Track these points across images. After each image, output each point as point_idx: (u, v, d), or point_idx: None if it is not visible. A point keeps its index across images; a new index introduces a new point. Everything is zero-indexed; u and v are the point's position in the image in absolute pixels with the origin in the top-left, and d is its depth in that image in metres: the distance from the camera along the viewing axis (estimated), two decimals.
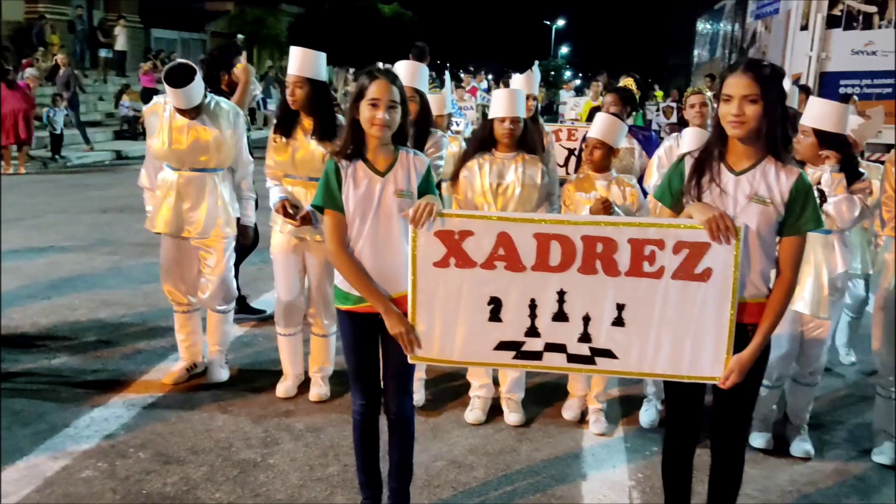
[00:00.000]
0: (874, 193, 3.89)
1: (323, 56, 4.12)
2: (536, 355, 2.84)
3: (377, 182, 2.92)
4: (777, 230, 2.65)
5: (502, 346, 2.85)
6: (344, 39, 30.42)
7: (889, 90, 12.24)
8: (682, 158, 2.78)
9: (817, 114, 3.70)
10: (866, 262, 4.75)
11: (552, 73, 48.70)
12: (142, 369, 4.79)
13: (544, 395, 4.56)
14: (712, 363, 2.69)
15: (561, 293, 2.76)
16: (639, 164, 5.22)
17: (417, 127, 4.07)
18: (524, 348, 2.84)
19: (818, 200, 2.82)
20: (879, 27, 12.57)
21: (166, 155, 4.28)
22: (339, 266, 2.97)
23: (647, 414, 4.22)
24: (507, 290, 2.79)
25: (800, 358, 3.97)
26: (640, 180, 4.82)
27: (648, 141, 5.53)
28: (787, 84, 5.74)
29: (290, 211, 4.04)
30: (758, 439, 4.05)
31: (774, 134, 2.58)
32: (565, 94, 20.41)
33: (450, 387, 4.66)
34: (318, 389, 4.46)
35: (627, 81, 7.64)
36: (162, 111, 4.25)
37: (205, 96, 4.25)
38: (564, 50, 66.24)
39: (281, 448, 3.88)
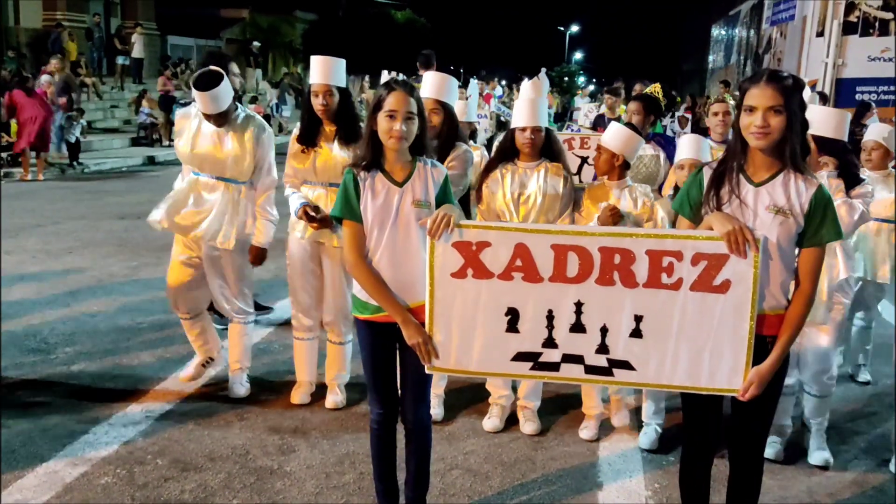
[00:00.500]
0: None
1: (343, 63, 4.18)
2: (554, 366, 2.84)
3: (395, 192, 2.94)
4: (797, 241, 2.64)
5: (519, 356, 2.85)
6: (358, 46, 30.52)
7: None
8: (700, 169, 2.78)
9: (816, 120, 3.70)
10: (865, 267, 4.72)
11: (566, 78, 48.64)
12: (160, 376, 4.82)
13: (561, 405, 4.56)
14: (731, 375, 2.68)
15: (578, 304, 2.76)
16: (664, 172, 5.20)
17: (443, 139, 4.11)
18: (541, 359, 2.84)
19: None
20: None
21: (189, 158, 4.31)
22: (357, 276, 2.99)
23: (647, 436, 4.16)
24: (524, 301, 2.80)
25: (806, 369, 3.95)
26: (660, 189, 4.82)
27: (671, 147, 5.51)
28: (807, 94, 5.72)
29: (312, 213, 4.05)
30: (768, 449, 4.04)
31: (794, 145, 2.58)
32: (579, 101, 20.38)
33: (465, 395, 4.66)
34: (335, 397, 4.48)
35: (654, 87, 7.60)
36: (192, 116, 4.31)
37: (235, 108, 4.29)
38: (578, 56, 66.15)
39: (297, 455, 3.89)
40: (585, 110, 17.07)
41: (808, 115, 3.76)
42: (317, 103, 4.10)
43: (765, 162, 2.63)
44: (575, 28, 63.03)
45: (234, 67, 4.48)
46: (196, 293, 4.54)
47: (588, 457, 4.03)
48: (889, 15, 12.65)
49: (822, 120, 3.74)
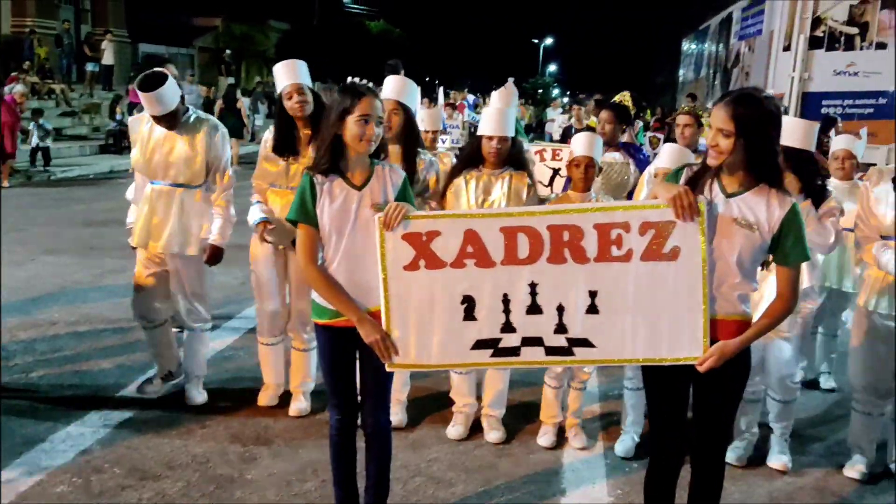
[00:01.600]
0: (844, 213, 3.95)
1: (306, 65, 4.18)
2: (514, 351, 2.82)
3: (354, 196, 2.93)
4: (763, 257, 2.70)
5: (479, 344, 2.83)
6: (331, 56, 30.53)
7: (870, 110, 12.41)
8: (681, 168, 2.83)
9: (786, 130, 3.74)
10: (830, 276, 4.79)
11: (540, 90, 48.96)
12: (120, 384, 4.75)
13: (526, 413, 4.55)
14: (690, 343, 2.69)
15: (533, 285, 2.76)
16: (633, 180, 5.24)
17: (404, 142, 4.09)
18: (501, 345, 2.82)
19: None
20: (861, 48, 12.77)
21: (143, 167, 4.27)
22: (310, 279, 2.98)
23: (623, 444, 4.16)
24: (479, 287, 2.79)
25: (769, 376, 3.99)
26: (630, 196, 4.85)
27: (644, 157, 5.56)
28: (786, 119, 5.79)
29: (266, 236, 4.16)
30: (730, 453, 4.08)
31: (762, 164, 2.62)
32: (552, 112, 20.53)
33: (430, 403, 4.64)
34: (299, 404, 4.44)
35: (623, 96, 7.67)
36: (144, 123, 4.26)
37: (186, 110, 4.26)
38: (552, 68, 66.67)
39: (259, 464, 3.85)
40: (559, 122, 17.21)
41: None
42: (291, 104, 4.06)
43: (737, 175, 2.67)
44: (549, 40, 63.58)
45: (174, 70, 4.46)
46: (160, 302, 4.48)
47: (552, 463, 4.03)
48: (854, 30, 12.90)
49: (790, 130, 3.76)
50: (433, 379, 4.83)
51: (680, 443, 2.88)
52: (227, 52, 29.19)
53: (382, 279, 2.82)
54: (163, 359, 4.59)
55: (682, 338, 2.69)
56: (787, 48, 12.93)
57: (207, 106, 17.41)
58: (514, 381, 4.83)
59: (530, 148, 5.59)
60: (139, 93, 4.00)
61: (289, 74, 4.08)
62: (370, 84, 3.11)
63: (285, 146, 4.15)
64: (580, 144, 4.05)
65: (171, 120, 4.14)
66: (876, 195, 3.82)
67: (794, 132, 3.75)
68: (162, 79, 4.03)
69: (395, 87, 4.15)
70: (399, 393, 4.36)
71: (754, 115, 2.57)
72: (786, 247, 2.65)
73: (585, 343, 2.78)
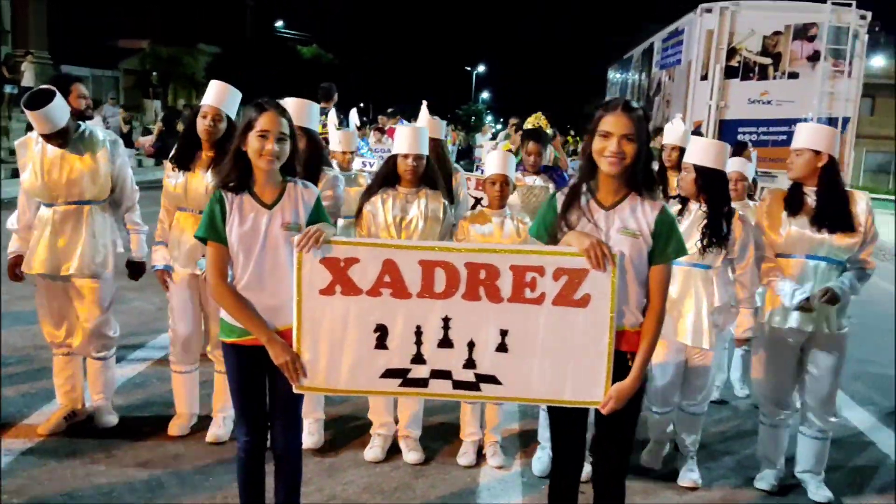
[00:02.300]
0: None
1: (240, 96, 4.15)
2: (422, 382, 2.84)
3: (264, 215, 2.90)
4: (648, 260, 2.74)
5: (389, 373, 2.84)
6: (263, 80, 30.28)
7: (783, 137, 12.92)
8: (554, 195, 2.87)
9: (697, 151, 3.89)
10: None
11: (473, 117, 49.56)
12: (23, 413, 4.54)
13: (444, 432, 4.54)
14: (592, 388, 2.74)
15: (446, 319, 2.78)
16: None
17: (308, 165, 4.08)
18: (410, 375, 2.83)
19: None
20: (774, 78, 13.31)
21: (40, 190, 4.09)
22: (218, 298, 2.93)
23: (540, 462, 4.17)
24: (392, 317, 2.79)
25: (685, 387, 4.08)
26: None
27: (562, 180, 5.67)
28: (680, 127, 5.99)
29: (166, 278, 4.21)
30: (646, 455, 4.19)
31: (645, 170, 2.73)
32: (481, 138, 20.74)
33: (349, 425, 4.59)
34: (217, 430, 4.31)
35: (536, 118, 7.81)
36: (33, 144, 4.11)
37: (77, 126, 4.15)
38: (485, 95, 67.60)
39: (165, 492, 3.73)
40: (488, 148, 17.36)
41: (691, 146, 3.98)
42: (203, 124, 4.01)
43: (613, 186, 2.74)
44: (481, 68, 64.49)
45: (82, 89, 4.36)
46: (72, 326, 4.32)
47: (468, 483, 4.02)
48: (768, 60, 13.44)
49: (703, 151, 3.91)
50: (352, 403, 4.79)
51: (579, 458, 2.92)
52: (154, 74, 28.69)
53: (297, 301, 2.79)
54: (70, 391, 4.39)
55: (586, 381, 2.75)
56: (704, 77, 13.37)
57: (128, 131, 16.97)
58: (434, 403, 4.83)
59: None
60: (26, 111, 3.88)
61: (216, 97, 4.03)
62: (276, 100, 3.08)
63: (182, 159, 4.10)
64: (494, 163, 4.13)
65: (61, 138, 4.02)
66: (768, 215, 3.96)
67: (708, 152, 3.88)
68: (49, 96, 3.92)
69: (295, 111, 4.14)
70: (316, 412, 4.31)
71: (644, 121, 2.67)
72: (662, 244, 2.72)
73: (493, 380, 2.81)
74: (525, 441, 4.54)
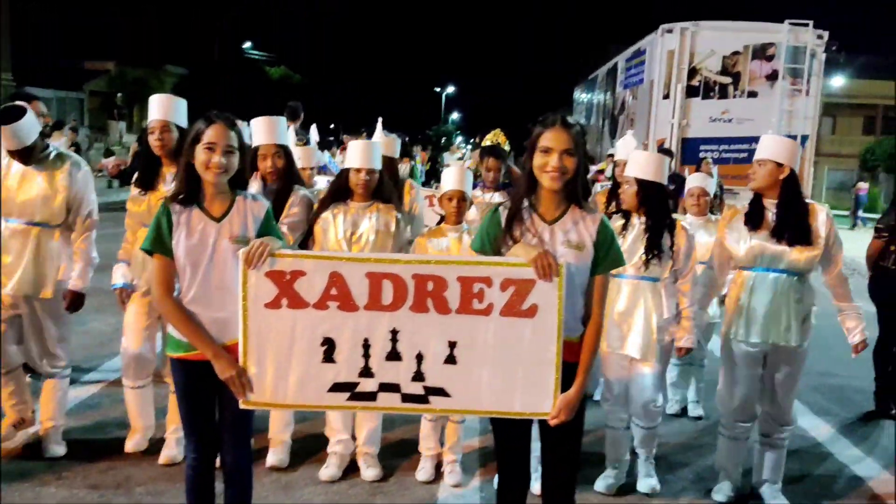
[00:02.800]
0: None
1: (184, 103, 4.11)
2: (371, 396, 2.81)
3: (212, 229, 2.87)
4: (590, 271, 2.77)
5: (336, 387, 2.80)
6: (231, 101, 30.21)
7: (744, 154, 13.14)
8: (496, 209, 2.87)
9: (639, 164, 3.95)
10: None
11: (444, 138, 49.75)
12: None
13: (403, 448, 4.50)
14: (541, 399, 2.73)
15: (394, 332, 2.76)
16: None
17: (283, 181, 4.08)
18: (358, 389, 2.80)
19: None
20: (734, 97, 13.57)
21: None
22: (164, 311, 2.89)
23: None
24: (340, 330, 2.77)
25: (635, 402, 4.09)
26: None
27: None
28: (631, 143, 6.07)
29: (124, 299, 4.17)
30: (599, 482, 4.15)
31: (583, 184, 2.78)
32: (449, 157, 20.80)
33: (308, 443, 4.52)
34: (170, 451, 4.23)
35: (496, 135, 7.86)
36: (2, 159, 4.06)
37: (45, 147, 4.10)
38: (455, 116, 67.94)
39: None
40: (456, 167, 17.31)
41: (632, 159, 4.05)
42: (152, 139, 3.99)
43: (553, 201, 2.77)
44: (451, 89, 64.81)
45: (42, 107, 4.31)
46: (13, 347, 4.22)
47: (427, 499, 3.99)
48: (728, 79, 13.71)
49: (644, 164, 3.97)
50: (312, 422, 4.74)
51: (526, 477, 2.93)
52: (119, 95, 28.46)
53: (242, 315, 2.76)
54: (16, 405, 4.31)
55: (534, 392, 2.74)
56: (666, 96, 13.60)
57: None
58: (394, 418, 4.80)
59: (421, 192, 5.62)
60: None
61: (159, 110, 4.01)
62: (227, 114, 3.06)
63: (144, 180, 4.06)
64: (451, 179, 4.13)
65: (25, 155, 3.98)
66: (730, 229, 4.01)
67: (648, 165, 3.93)
68: (20, 113, 3.88)
69: (267, 129, 4.15)
70: (282, 433, 4.27)
71: (581, 136, 2.71)
72: (602, 255, 2.76)
73: (441, 392, 2.79)
74: (485, 457, 4.51)
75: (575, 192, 2.76)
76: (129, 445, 4.28)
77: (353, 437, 4.28)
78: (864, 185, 28.93)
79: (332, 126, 30.26)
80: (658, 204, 3.95)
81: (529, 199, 2.79)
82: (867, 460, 4.93)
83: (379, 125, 4.93)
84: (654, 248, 3.88)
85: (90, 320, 6.68)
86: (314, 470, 4.21)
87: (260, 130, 4.17)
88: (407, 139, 8.27)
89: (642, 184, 3.92)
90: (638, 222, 3.97)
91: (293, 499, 3.90)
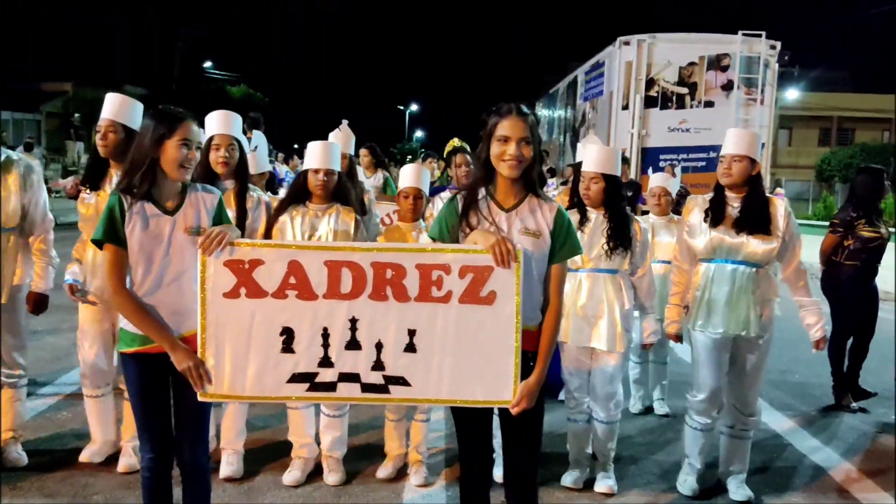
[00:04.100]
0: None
1: (140, 106, 4.04)
2: (330, 386, 2.78)
3: (166, 222, 2.84)
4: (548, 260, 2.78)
5: (295, 378, 2.77)
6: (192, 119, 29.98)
7: (703, 163, 13.36)
8: (454, 197, 2.88)
9: (602, 160, 3.97)
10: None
11: (409, 155, 49.83)
12: None
13: (368, 452, 4.46)
14: (501, 387, 2.72)
15: (353, 321, 2.74)
16: None
17: (237, 176, 4.04)
18: (317, 380, 2.77)
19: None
20: (692, 107, 13.80)
21: None
22: (117, 304, 2.84)
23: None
24: (299, 319, 2.74)
25: (596, 395, 4.10)
26: None
27: None
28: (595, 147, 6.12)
29: (77, 296, 4.04)
30: (566, 477, 4.15)
31: (539, 171, 2.81)
32: None
33: (269, 448, 4.47)
34: (128, 460, 4.13)
35: (451, 143, 7.89)
36: None
37: None
38: (419, 133, 68.11)
39: None
40: None
41: (591, 155, 4.08)
42: (97, 139, 3.94)
43: (511, 189, 2.78)
44: (414, 107, 65.01)
45: None
46: None
47: (392, 500, 3.95)
48: (685, 90, 13.96)
49: (605, 159, 4.00)
50: (273, 429, 4.68)
51: (488, 466, 2.92)
52: (77, 115, 28.04)
53: (201, 305, 2.72)
54: None
55: (495, 381, 2.72)
56: (625, 107, 13.79)
57: None
58: (360, 423, 4.77)
59: (378, 213, 5.58)
60: None
61: (108, 108, 3.96)
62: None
63: (92, 179, 4.01)
64: (407, 177, 4.14)
65: None
66: (690, 224, 4.07)
67: (599, 158, 3.98)
68: None
69: (223, 122, 4.08)
70: (235, 443, 4.17)
71: (536, 125, 2.73)
72: (560, 243, 2.77)
73: (401, 381, 2.77)
74: (450, 459, 4.48)
75: (532, 180, 2.78)
76: (85, 455, 4.19)
77: (318, 442, 4.23)
78: (781, 191, 29.67)
79: (295, 146, 30.12)
80: (620, 195, 4.01)
81: (486, 187, 2.79)
82: (825, 450, 5.00)
83: (345, 126, 4.89)
84: (617, 239, 3.92)
85: (45, 334, 6.55)
86: (277, 475, 4.14)
87: (216, 122, 4.08)
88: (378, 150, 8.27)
89: (608, 178, 3.96)
90: (596, 215, 4.01)
91: (256, 502, 3.83)
